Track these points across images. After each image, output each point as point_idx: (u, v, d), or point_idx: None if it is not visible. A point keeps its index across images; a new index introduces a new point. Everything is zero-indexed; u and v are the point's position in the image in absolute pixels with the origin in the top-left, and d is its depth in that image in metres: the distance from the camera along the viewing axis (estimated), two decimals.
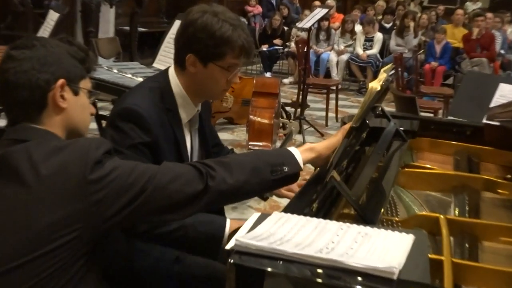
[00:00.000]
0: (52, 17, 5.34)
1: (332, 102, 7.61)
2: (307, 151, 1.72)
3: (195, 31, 1.88)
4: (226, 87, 2.00)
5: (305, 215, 1.38)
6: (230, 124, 6.98)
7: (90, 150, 1.38)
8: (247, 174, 1.54)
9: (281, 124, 6.05)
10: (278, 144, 5.57)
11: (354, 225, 1.31)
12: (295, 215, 1.37)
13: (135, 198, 1.39)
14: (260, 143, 5.23)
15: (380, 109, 2.09)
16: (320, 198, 1.51)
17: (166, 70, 2.04)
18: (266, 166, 1.58)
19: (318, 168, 1.86)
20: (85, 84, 1.59)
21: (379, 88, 1.73)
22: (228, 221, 1.91)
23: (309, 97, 7.98)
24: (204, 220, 1.90)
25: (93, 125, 5.11)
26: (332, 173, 1.44)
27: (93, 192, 1.35)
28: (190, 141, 2.10)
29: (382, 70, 1.92)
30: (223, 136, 6.36)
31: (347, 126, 1.84)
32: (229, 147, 2.47)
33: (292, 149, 1.67)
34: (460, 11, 10.40)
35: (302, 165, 1.65)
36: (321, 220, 1.34)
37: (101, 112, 5.10)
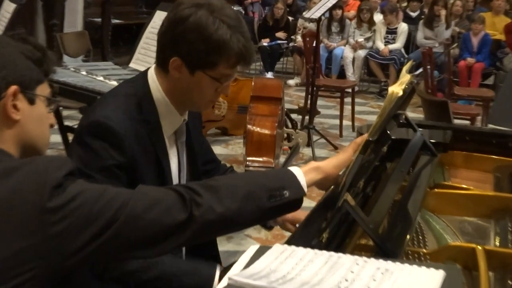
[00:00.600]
0: (7, 8, 5.37)
1: (348, 108, 7.63)
2: (312, 171, 1.72)
3: (186, 30, 1.86)
4: (214, 98, 2.01)
5: (313, 247, 1.38)
6: (224, 136, 6.99)
7: (49, 172, 1.38)
8: (239, 200, 1.53)
9: (285, 135, 6.06)
10: (282, 159, 5.58)
11: (372, 259, 1.31)
12: (300, 248, 1.37)
13: (103, 230, 1.39)
14: (260, 159, 5.23)
15: (403, 117, 2.10)
16: (331, 227, 1.51)
17: (145, 72, 2.04)
18: (263, 190, 1.57)
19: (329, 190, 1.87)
20: (43, 90, 1.59)
21: (401, 93, 1.74)
22: (218, 269, 1.91)
23: (320, 101, 8.00)
24: (189, 269, 1.90)
25: (57, 138, 5.14)
26: (345, 196, 1.44)
27: (53, 223, 1.35)
28: (177, 157, 2.10)
29: (404, 69, 1.93)
30: (216, 150, 6.27)
31: (359, 140, 1.84)
32: (227, 165, 2.48)
33: (294, 169, 1.67)
34: None
35: (306, 189, 1.65)
36: (332, 253, 1.34)
37: (66, 123, 5.12)
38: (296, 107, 7.70)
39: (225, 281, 1.21)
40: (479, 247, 1.59)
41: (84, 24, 9.02)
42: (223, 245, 4.30)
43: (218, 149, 6.45)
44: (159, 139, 2.00)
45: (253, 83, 5.83)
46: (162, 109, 2.00)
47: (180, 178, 2.12)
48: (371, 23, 10.24)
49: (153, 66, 2.03)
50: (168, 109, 2.01)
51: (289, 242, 1.46)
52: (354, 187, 1.64)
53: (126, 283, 1.85)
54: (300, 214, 2.08)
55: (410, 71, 2.00)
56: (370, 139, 1.71)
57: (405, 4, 11.64)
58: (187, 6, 1.88)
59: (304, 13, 9.11)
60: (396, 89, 1.74)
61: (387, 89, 9.48)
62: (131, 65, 4.35)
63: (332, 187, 1.76)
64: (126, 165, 1.87)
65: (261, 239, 4.51)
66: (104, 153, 1.85)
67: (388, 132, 1.96)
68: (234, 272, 1.24)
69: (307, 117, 7.02)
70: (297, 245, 1.39)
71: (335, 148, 6.78)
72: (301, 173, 1.66)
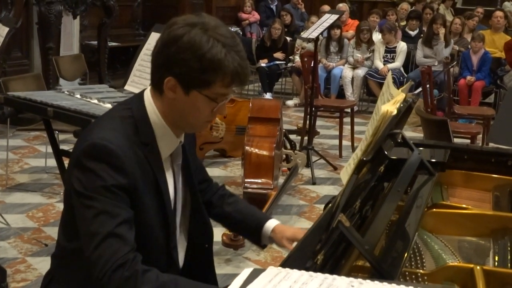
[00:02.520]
0: (1, 32, 5.38)
1: (347, 128, 7.63)
2: None
3: (179, 50, 1.86)
4: (210, 118, 2.00)
5: (307, 270, 1.37)
6: (222, 158, 6.99)
7: None
8: None
9: (284, 156, 6.05)
10: (281, 180, 5.56)
11: (368, 281, 1.30)
12: (295, 270, 1.36)
13: None
14: (259, 180, 5.22)
15: (400, 136, 2.10)
16: (326, 249, 1.51)
17: (141, 94, 2.04)
18: None
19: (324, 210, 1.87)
20: None
21: (395, 112, 1.73)
22: None
23: (319, 122, 8.00)
24: None
25: (53, 163, 5.13)
26: (339, 217, 1.44)
27: None
28: (172, 179, 2.10)
29: (399, 89, 1.93)
30: (214, 172, 6.36)
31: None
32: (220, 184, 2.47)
33: None
34: (499, 13, 10.48)
35: None
36: (327, 275, 1.33)
37: (62, 147, 5.10)
38: (295, 127, 7.71)
39: None
40: (478, 267, 1.58)
41: (81, 47, 9.04)
42: (221, 268, 4.28)
43: (216, 171, 6.45)
44: (157, 161, 2.00)
45: (250, 104, 5.84)
46: (159, 131, 2.00)
47: (177, 200, 2.12)
48: (370, 42, 10.27)
49: (149, 88, 2.03)
50: (164, 131, 2.00)
51: (284, 264, 1.45)
52: (350, 207, 1.64)
53: None
54: (299, 233, 2.07)
55: (410, 90, 2.00)
56: (364, 158, 1.71)
57: (404, 23, 11.67)
58: (181, 25, 1.88)
59: (302, 33, 9.13)
60: (391, 107, 1.73)
61: None
62: (127, 87, 4.35)
63: (328, 207, 1.76)
64: (127, 187, 1.87)
65: (260, 262, 4.48)
66: (104, 174, 1.84)
67: (385, 151, 1.96)
68: None
69: (306, 138, 7.02)
70: (292, 267, 1.38)
71: (335, 168, 6.76)
72: None
